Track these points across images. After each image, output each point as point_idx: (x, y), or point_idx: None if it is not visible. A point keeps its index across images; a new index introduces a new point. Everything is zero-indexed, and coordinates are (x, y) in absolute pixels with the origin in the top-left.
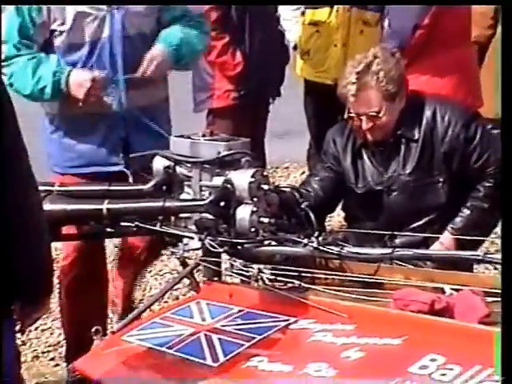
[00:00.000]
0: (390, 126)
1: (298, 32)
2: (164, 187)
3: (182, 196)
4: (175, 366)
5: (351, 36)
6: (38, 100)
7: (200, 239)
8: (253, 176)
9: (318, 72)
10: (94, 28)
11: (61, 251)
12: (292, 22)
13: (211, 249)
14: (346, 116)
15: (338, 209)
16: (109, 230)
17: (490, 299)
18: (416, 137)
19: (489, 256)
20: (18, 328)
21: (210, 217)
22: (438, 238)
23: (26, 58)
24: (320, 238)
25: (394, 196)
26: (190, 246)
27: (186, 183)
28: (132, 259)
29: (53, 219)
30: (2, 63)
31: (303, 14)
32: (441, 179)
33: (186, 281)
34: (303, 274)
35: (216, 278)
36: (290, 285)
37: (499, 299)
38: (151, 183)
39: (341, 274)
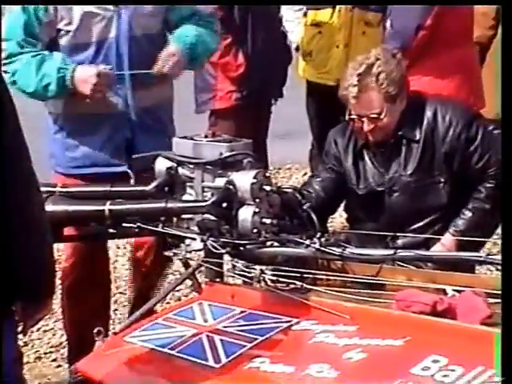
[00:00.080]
0: (391, 127)
1: (300, 33)
2: (166, 188)
3: (184, 197)
4: (177, 367)
5: (353, 37)
6: (42, 98)
7: (202, 240)
8: (255, 177)
9: (320, 73)
10: (100, 28)
11: (63, 252)
12: (294, 22)
13: (213, 250)
14: (347, 117)
15: (340, 210)
16: (111, 231)
17: (492, 300)
18: (417, 137)
19: (491, 257)
20: (20, 329)
21: (212, 218)
22: (440, 239)
23: (29, 55)
24: (322, 239)
25: (395, 197)
26: (192, 247)
27: (188, 184)
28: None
29: (55, 220)
30: (5, 60)
31: (305, 14)
32: (442, 179)
33: (188, 282)
34: (305, 275)
35: (218, 279)
36: (292, 286)
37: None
38: (153, 184)
39: (343, 275)
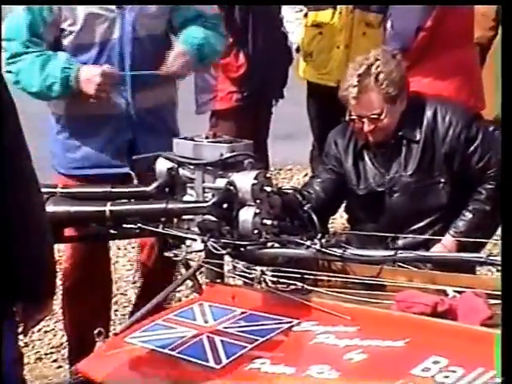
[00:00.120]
0: (391, 127)
1: (301, 34)
2: (167, 189)
3: (185, 198)
4: (178, 368)
5: (354, 38)
6: (47, 98)
7: (203, 241)
8: (256, 178)
9: (320, 74)
10: (104, 29)
11: (63, 253)
12: (295, 23)
13: (214, 251)
14: (347, 118)
15: (341, 211)
16: (111, 231)
17: (492, 301)
18: (417, 138)
19: (491, 258)
20: (20, 329)
21: (213, 219)
22: (441, 239)
23: (33, 55)
24: (323, 240)
25: (395, 197)
26: (192, 248)
27: (188, 185)
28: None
29: (55, 221)
30: (9, 60)
31: (306, 15)
32: (442, 180)
33: (189, 283)
34: (306, 276)
35: (219, 280)
36: (292, 287)
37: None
38: (154, 185)
39: (343, 276)
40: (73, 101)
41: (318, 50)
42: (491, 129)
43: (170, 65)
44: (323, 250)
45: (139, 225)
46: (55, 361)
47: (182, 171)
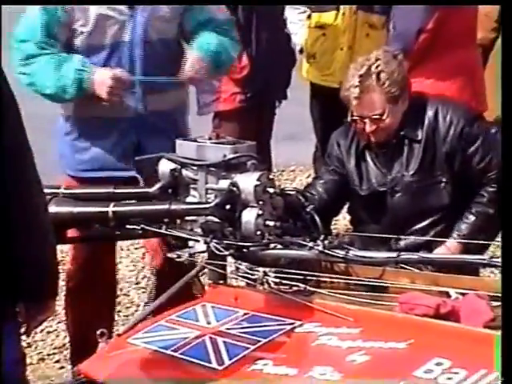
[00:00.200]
0: (393, 127)
1: (304, 35)
2: (170, 190)
3: (188, 199)
4: (180, 369)
5: (357, 39)
6: (61, 100)
7: (205, 242)
8: (258, 179)
9: (323, 75)
10: (114, 31)
11: (66, 253)
12: (298, 25)
13: (217, 252)
14: (349, 119)
15: (344, 212)
16: (114, 232)
17: (495, 303)
18: (419, 137)
19: (494, 260)
20: (23, 330)
21: (216, 220)
22: (444, 241)
23: (48, 56)
24: (325, 242)
25: (397, 197)
26: (195, 249)
27: (191, 186)
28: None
29: (58, 221)
30: (23, 62)
31: (309, 17)
32: (443, 180)
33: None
34: (308, 278)
35: (221, 281)
36: (295, 288)
37: None
38: (157, 186)
39: (346, 277)
40: (82, 102)
41: (322, 52)
42: (493, 130)
43: (186, 71)
44: (326, 251)
45: (142, 226)
46: (58, 361)
47: (185, 172)
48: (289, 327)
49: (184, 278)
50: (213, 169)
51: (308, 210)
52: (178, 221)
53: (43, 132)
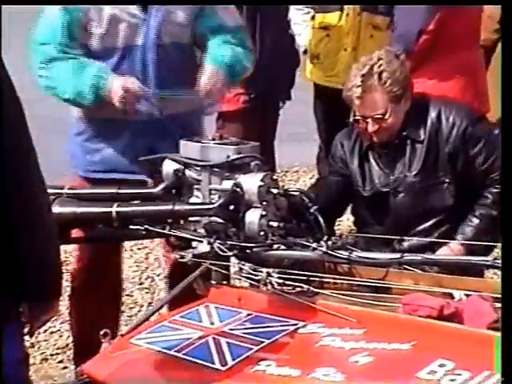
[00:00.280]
0: (396, 127)
1: (308, 36)
2: (173, 190)
3: (192, 199)
4: (183, 370)
5: (361, 40)
6: (79, 106)
7: (209, 243)
8: (262, 180)
9: (327, 76)
10: (127, 34)
11: (70, 254)
12: (302, 25)
13: (220, 252)
14: (351, 119)
15: (348, 213)
16: (118, 232)
17: (498, 305)
18: (421, 138)
19: (498, 261)
20: (26, 330)
21: (219, 220)
22: (447, 242)
23: (68, 61)
24: (329, 242)
25: (400, 198)
26: (199, 250)
27: (195, 187)
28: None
29: (62, 222)
30: (43, 65)
31: (313, 17)
32: (446, 180)
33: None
34: (312, 278)
35: (225, 282)
36: (298, 289)
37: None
38: (161, 186)
39: (350, 278)
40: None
41: (325, 52)
42: (496, 131)
43: (202, 86)
44: (329, 252)
45: (146, 226)
46: (61, 361)
47: (188, 173)
48: (292, 328)
49: (187, 278)
50: (216, 169)
51: (311, 210)
52: (182, 221)
53: (47, 132)
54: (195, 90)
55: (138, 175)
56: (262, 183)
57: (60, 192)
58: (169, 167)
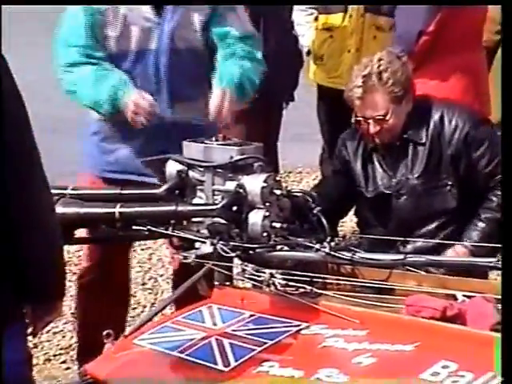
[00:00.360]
0: (397, 128)
1: (312, 37)
2: (177, 191)
3: (195, 200)
4: (186, 371)
5: (364, 41)
6: (98, 113)
7: (212, 244)
8: (265, 181)
9: (331, 77)
10: (140, 38)
11: (73, 254)
12: (305, 26)
13: (223, 253)
14: (353, 120)
15: (351, 214)
16: (121, 233)
17: None
18: (423, 140)
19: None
20: (30, 331)
21: (222, 221)
22: (450, 244)
23: (90, 67)
24: (332, 244)
25: (402, 200)
26: (202, 251)
27: (198, 187)
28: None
29: (65, 222)
30: (65, 68)
31: (316, 19)
32: (449, 183)
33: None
34: (315, 280)
35: (228, 283)
36: (301, 290)
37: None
38: (164, 187)
39: (353, 279)
40: None
41: (329, 54)
42: (499, 133)
43: (213, 110)
44: (332, 253)
45: (149, 227)
46: (64, 362)
47: (191, 173)
48: (295, 329)
49: (190, 279)
50: (219, 170)
51: (315, 211)
52: (185, 222)
53: (51, 132)
54: (206, 113)
55: (150, 178)
56: (265, 184)
57: (63, 192)
58: (172, 168)
